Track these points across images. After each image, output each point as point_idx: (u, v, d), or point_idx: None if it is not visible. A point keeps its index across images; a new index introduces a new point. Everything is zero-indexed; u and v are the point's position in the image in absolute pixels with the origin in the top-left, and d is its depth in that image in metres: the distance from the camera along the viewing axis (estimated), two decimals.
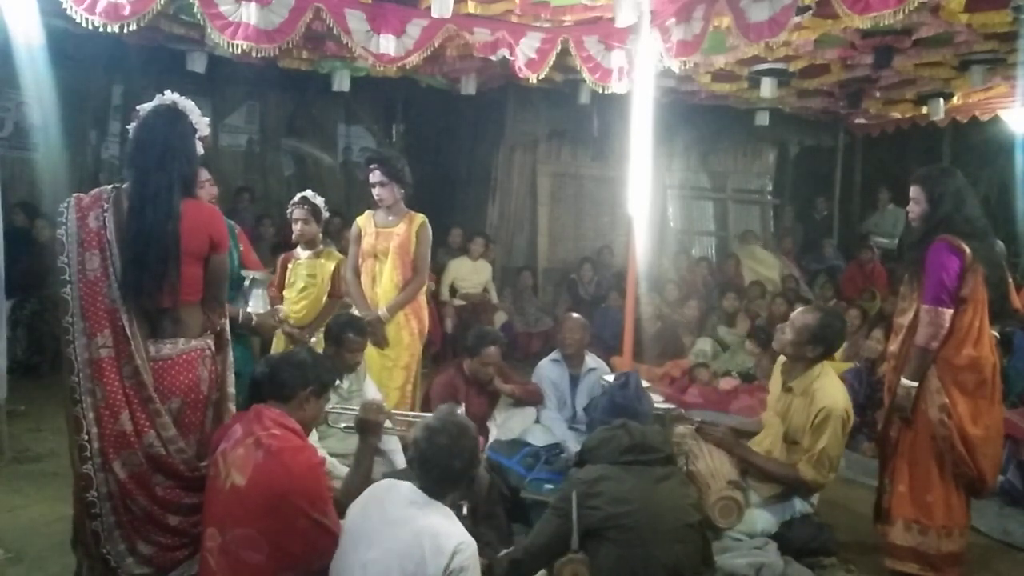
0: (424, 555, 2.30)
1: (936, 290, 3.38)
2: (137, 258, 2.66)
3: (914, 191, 3.57)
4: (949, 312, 3.38)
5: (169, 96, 2.87)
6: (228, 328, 3.01)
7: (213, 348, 2.92)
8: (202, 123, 2.91)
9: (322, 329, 4.19)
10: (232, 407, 2.97)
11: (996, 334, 3.71)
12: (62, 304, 2.70)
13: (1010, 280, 3.68)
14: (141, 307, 2.70)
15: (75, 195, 2.78)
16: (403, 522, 2.38)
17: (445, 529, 2.37)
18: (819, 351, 3.64)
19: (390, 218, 4.48)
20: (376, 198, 4.44)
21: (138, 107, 2.87)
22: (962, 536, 3.53)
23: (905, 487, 3.55)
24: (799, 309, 3.84)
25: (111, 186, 2.82)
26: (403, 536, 2.35)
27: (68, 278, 2.69)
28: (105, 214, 2.72)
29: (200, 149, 2.91)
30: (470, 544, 2.37)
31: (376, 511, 2.46)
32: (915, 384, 3.46)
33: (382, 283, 4.43)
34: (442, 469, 2.46)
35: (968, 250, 3.37)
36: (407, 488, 2.49)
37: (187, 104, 2.88)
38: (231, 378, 3.02)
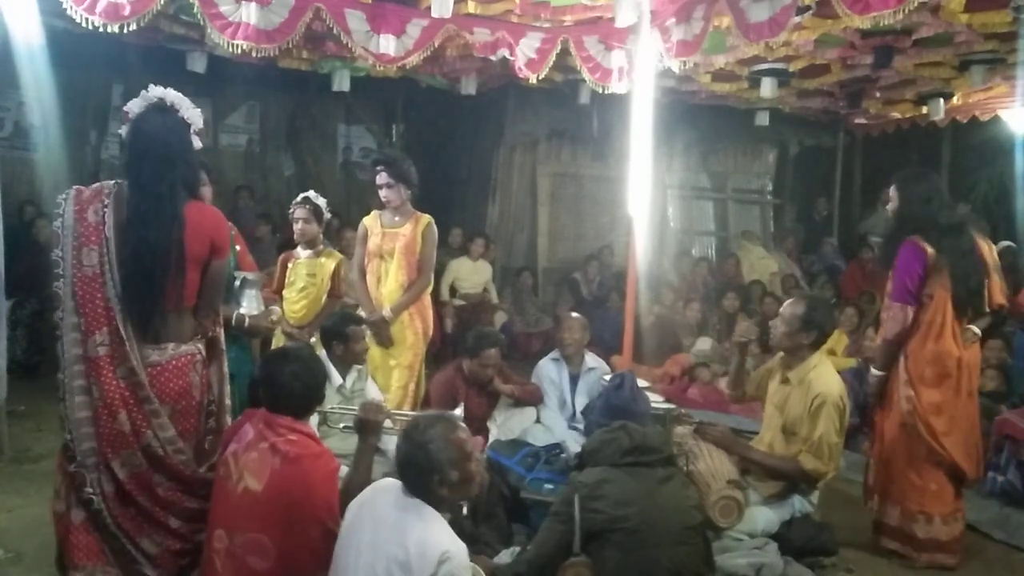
0: (410, 561, 2.26)
1: (899, 288, 3.68)
2: (141, 270, 2.58)
3: (891, 190, 3.88)
4: (911, 308, 3.67)
5: (155, 91, 2.72)
6: (222, 337, 2.91)
7: (204, 353, 2.81)
8: (195, 115, 2.77)
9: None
10: (228, 419, 2.90)
11: (976, 331, 3.84)
12: (54, 299, 2.61)
13: (995, 278, 3.82)
14: (141, 311, 2.61)
15: (75, 187, 2.69)
16: (391, 526, 2.35)
17: (432, 537, 2.30)
18: (813, 336, 3.69)
19: (396, 218, 4.49)
20: (383, 199, 4.45)
21: (126, 107, 2.74)
22: (946, 524, 3.71)
23: (884, 470, 3.83)
24: (786, 303, 3.92)
25: (113, 182, 2.71)
26: (391, 540, 2.31)
27: (62, 272, 2.59)
28: (105, 209, 2.62)
29: (197, 143, 2.78)
30: (456, 552, 2.31)
31: (368, 514, 2.43)
32: (881, 374, 3.79)
33: (387, 283, 4.44)
34: (415, 473, 2.41)
35: (931, 251, 3.63)
36: (396, 490, 2.45)
37: (176, 97, 2.74)
38: (227, 389, 2.93)
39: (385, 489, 2.50)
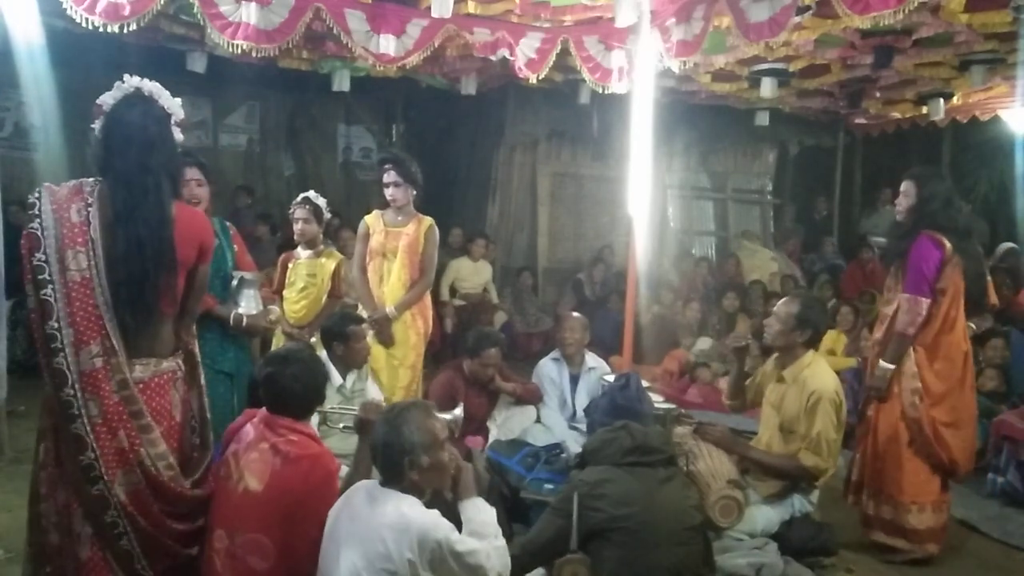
0: (388, 549, 2.26)
1: (916, 280, 3.66)
2: (132, 273, 2.38)
3: (906, 185, 3.84)
4: (927, 301, 3.66)
5: (130, 82, 2.53)
6: (197, 350, 2.73)
7: (184, 369, 2.62)
8: (175, 105, 2.58)
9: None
10: (211, 433, 2.72)
11: (972, 326, 3.95)
12: (44, 307, 2.33)
13: (989, 278, 3.95)
14: (135, 319, 2.41)
15: (46, 185, 2.43)
16: (365, 518, 2.36)
17: (403, 520, 2.30)
18: (808, 334, 3.71)
19: (399, 218, 4.50)
20: (389, 199, 4.47)
21: (99, 100, 2.52)
22: (936, 512, 3.77)
23: (876, 463, 3.83)
24: (780, 302, 3.94)
25: (92, 179, 2.48)
26: (368, 536, 2.32)
27: (49, 277, 2.34)
28: (90, 208, 2.39)
29: (178, 135, 2.59)
30: (427, 526, 2.29)
31: (346, 511, 2.44)
32: (892, 367, 3.74)
33: (390, 282, 4.45)
34: (387, 455, 2.42)
35: (948, 244, 3.63)
36: (367, 484, 2.47)
37: (154, 87, 2.55)
38: (207, 402, 2.75)
39: (357, 488, 2.50)
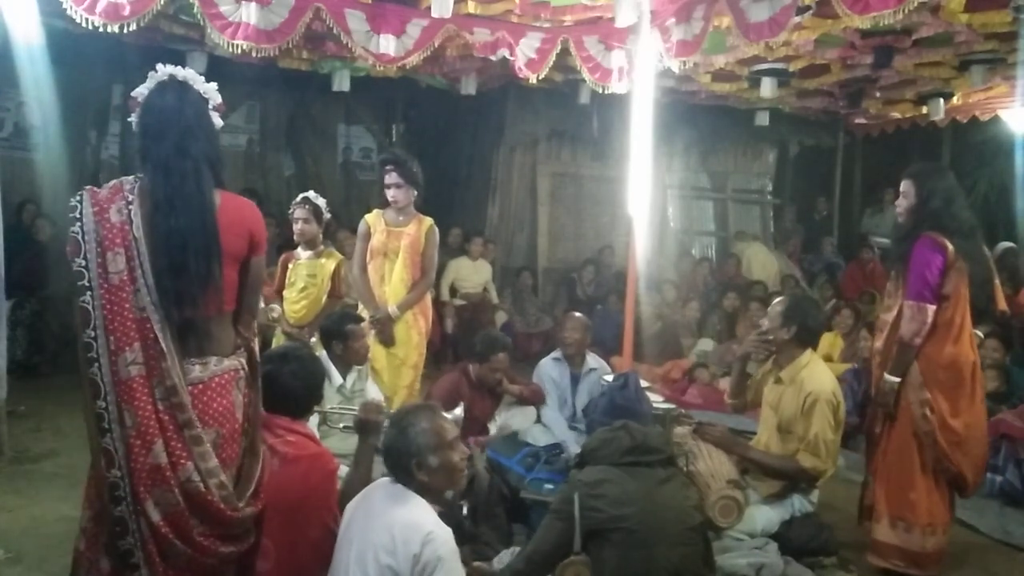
0: (395, 548, 2.27)
1: (919, 286, 3.44)
2: (174, 263, 2.23)
3: (905, 185, 3.65)
4: (932, 308, 3.44)
5: (165, 69, 2.42)
6: (257, 349, 2.55)
7: (247, 368, 2.43)
8: (211, 90, 2.46)
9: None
10: (260, 441, 2.51)
11: (979, 334, 3.78)
12: (82, 315, 2.21)
13: (997, 282, 3.76)
14: (181, 319, 2.26)
15: (88, 188, 2.33)
16: (380, 515, 2.37)
17: (415, 520, 2.31)
18: (795, 330, 3.66)
19: (400, 218, 4.51)
20: (391, 199, 4.48)
21: (133, 93, 2.45)
22: (945, 534, 3.59)
23: (889, 484, 3.59)
24: (772, 302, 3.91)
25: (132, 176, 2.35)
26: (379, 529, 2.33)
27: (88, 284, 2.20)
28: (130, 206, 2.26)
29: (218, 120, 2.48)
30: (440, 534, 2.31)
31: (362, 508, 2.45)
32: (898, 380, 3.51)
33: (392, 281, 4.46)
34: (395, 457, 2.44)
35: (951, 247, 3.43)
36: (386, 482, 2.47)
37: (188, 73, 2.44)
38: (261, 407, 2.55)
39: (378, 484, 2.51)
